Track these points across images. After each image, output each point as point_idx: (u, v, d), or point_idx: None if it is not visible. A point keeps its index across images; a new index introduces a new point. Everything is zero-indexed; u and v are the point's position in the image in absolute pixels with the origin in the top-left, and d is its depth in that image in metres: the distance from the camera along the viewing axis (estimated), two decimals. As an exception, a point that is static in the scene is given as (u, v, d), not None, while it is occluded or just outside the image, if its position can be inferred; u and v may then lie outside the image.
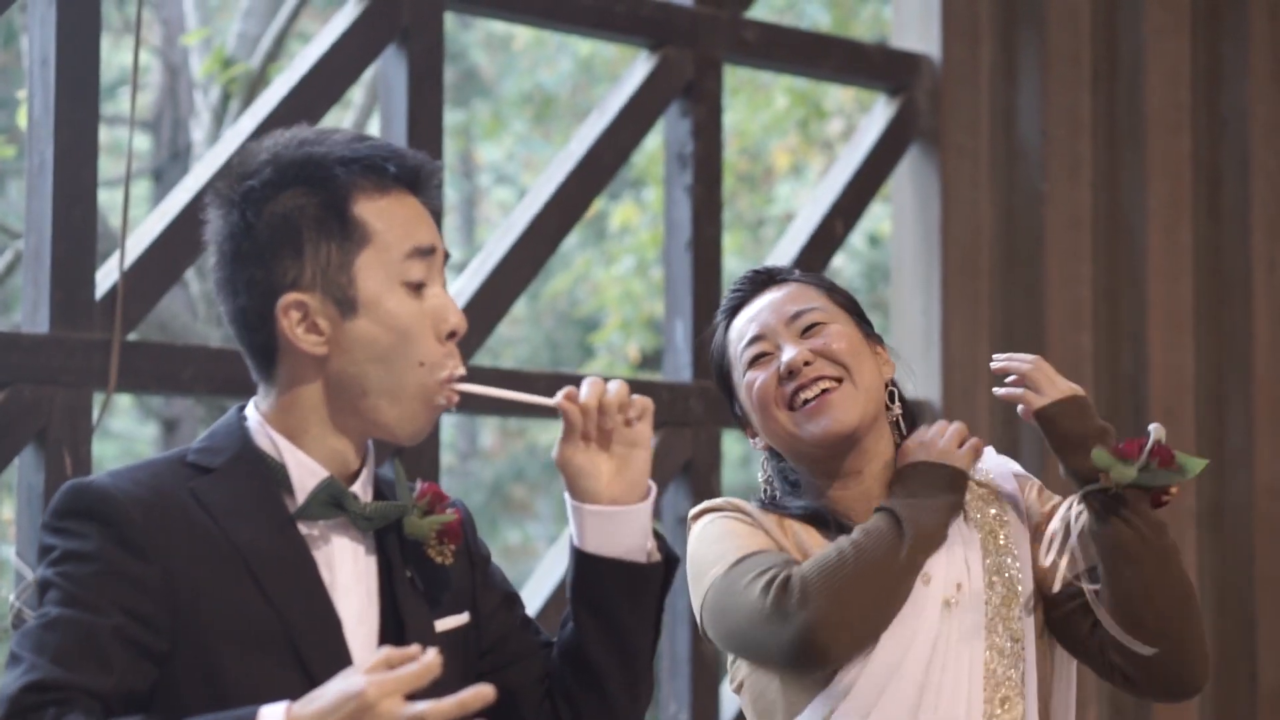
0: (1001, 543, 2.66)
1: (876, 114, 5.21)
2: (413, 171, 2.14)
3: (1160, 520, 2.59)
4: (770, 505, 2.71)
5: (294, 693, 1.96)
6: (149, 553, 2.03)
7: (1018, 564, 2.65)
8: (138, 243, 3.90)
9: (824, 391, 2.62)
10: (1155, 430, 2.62)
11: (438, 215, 2.22)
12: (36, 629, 2.01)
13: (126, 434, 11.97)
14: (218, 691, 2.01)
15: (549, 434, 12.50)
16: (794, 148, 11.08)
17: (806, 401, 2.63)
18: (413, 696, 1.88)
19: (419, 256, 2.11)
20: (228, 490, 2.09)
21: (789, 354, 2.64)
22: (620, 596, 2.15)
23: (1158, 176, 5.28)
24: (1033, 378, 2.61)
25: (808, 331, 2.67)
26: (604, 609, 2.17)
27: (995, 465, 2.76)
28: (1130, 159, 5.28)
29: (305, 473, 2.11)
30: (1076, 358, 5.12)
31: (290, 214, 2.09)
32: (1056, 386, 2.60)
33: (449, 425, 12.20)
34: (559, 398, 2.17)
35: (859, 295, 2.79)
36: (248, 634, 2.03)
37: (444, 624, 2.16)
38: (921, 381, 5.05)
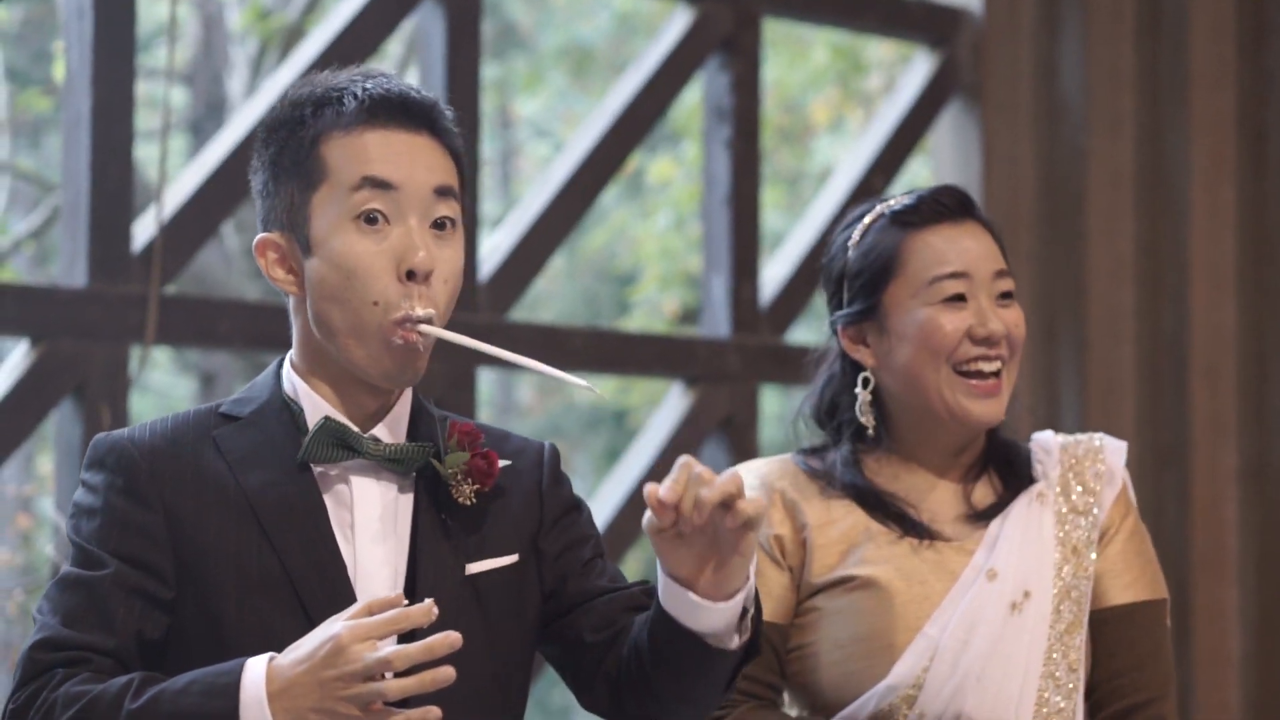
0: (1080, 565, 2.55)
1: (916, 68, 5.17)
2: (385, 104, 2.09)
3: None
4: (820, 464, 2.58)
5: (297, 636, 1.96)
6: (152, 501, 2.05)
7: (1089, 593, 2.54)
8: (175, 196, 3.89)
9: (996, 375, 2.50)
10: None
11: (460, 158, 2.15)
12: (53, 588, 2.05)
13: (164, 388, 12.02)
14: (221, 637, 2.03)
15: (585, 390, 12.49)
16: (833, 102, 11.03)
17: (980, 375, 2.50)
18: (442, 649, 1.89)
19: (371, 188, 2.06)
20: (249, 437, 2.10)
21: (994, 322, 2.48)
22: (692, 661, 2.06)
23: (1200, 133, 5.23)
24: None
25: (1003, 299, 2.52)
26: (676, 665, 2.08)
27: (1112, 455, 2.62)
28: (1173, 115, 5.24)
29: (317, 414, 2.11)
30: (1117, 314, 5.08)
31: (274, 156, 2.12)
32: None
33: (486, 381, 12.20)
34: (647, 489, 1.96)
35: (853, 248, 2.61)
36: (251, 580, 2.04)
37: (481, 565, 2.12)
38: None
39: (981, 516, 2.56)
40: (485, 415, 11.60)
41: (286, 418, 2.11)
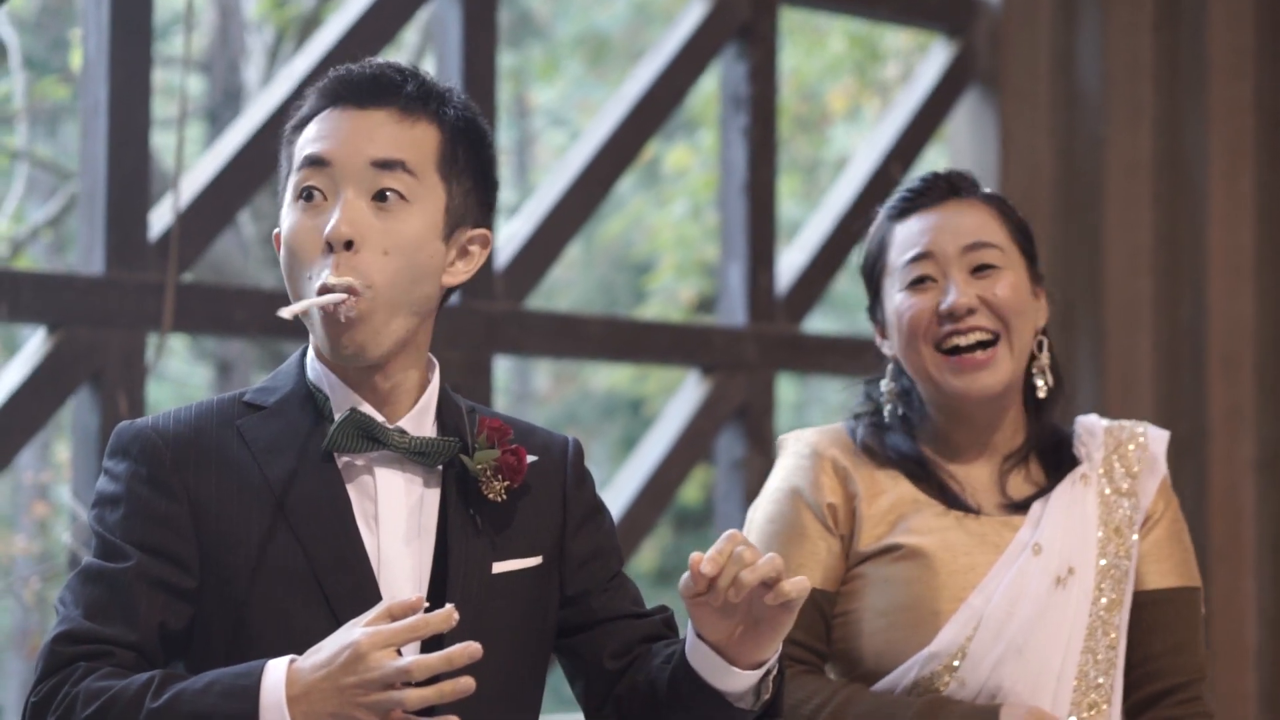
0: (1125, 543, 2.59)
1: (934, 57, 5.16)
2: (345, 85, 2.09)
3: None
4: (872, 440, 2.61)
5: (319, 629, 1.96)
6: (176, 490, 2.04)
7: (1131, 572, 2.58)
8: (192, 184, 3.89)
9: (979, 345, 2.52)
10: None
11: (451, 132, 2.12)
12: (75, 579, 2.04)
13: (181, 376, 12.03)
14: (243, 628, 2.02)
15: (601, 378, 12.50)
16: (850, 91, 11.01)
17: (958, 350, 2.52)
18: (450, 640, 1.89)
19: (309, 167, 2.06)
20: (274, 427, 2.09)
21: (954, 295, 2.52)
22: (709, 713, 2.07)
23: (1219, 121, 5.22)
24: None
25: (980, 271, 2.54)
26: (693, 711, 2.09)
27: (1155, 444, 2.65)
28: (1191, 104, 5.23)
29: (342, 404, 2.10)
30: (1135, 304, 5.07)
31: (281, 154, 2.15)
32: None
33: (503, 369, 12.20)
34: (693, 558, 1.96)
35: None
36: (273, 570, 2.03)
37: (506, 565, 2.12)
38: (978, 327, 5.01)
39: (1018, 507, 2.58)
40: (501, 403, 11.61)
41: (311, 407, 2.10)
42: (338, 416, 2.08)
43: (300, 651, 1.94)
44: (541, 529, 2.16)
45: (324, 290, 2.02)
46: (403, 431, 2.10)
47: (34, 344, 3.69)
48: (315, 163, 2.06)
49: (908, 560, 2.54)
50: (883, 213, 2.64)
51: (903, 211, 2.60)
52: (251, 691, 1.90)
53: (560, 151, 12.85)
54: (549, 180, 4.50)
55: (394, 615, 1.89)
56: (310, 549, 2.03)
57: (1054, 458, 2.62)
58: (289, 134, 2.13)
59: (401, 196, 2.06)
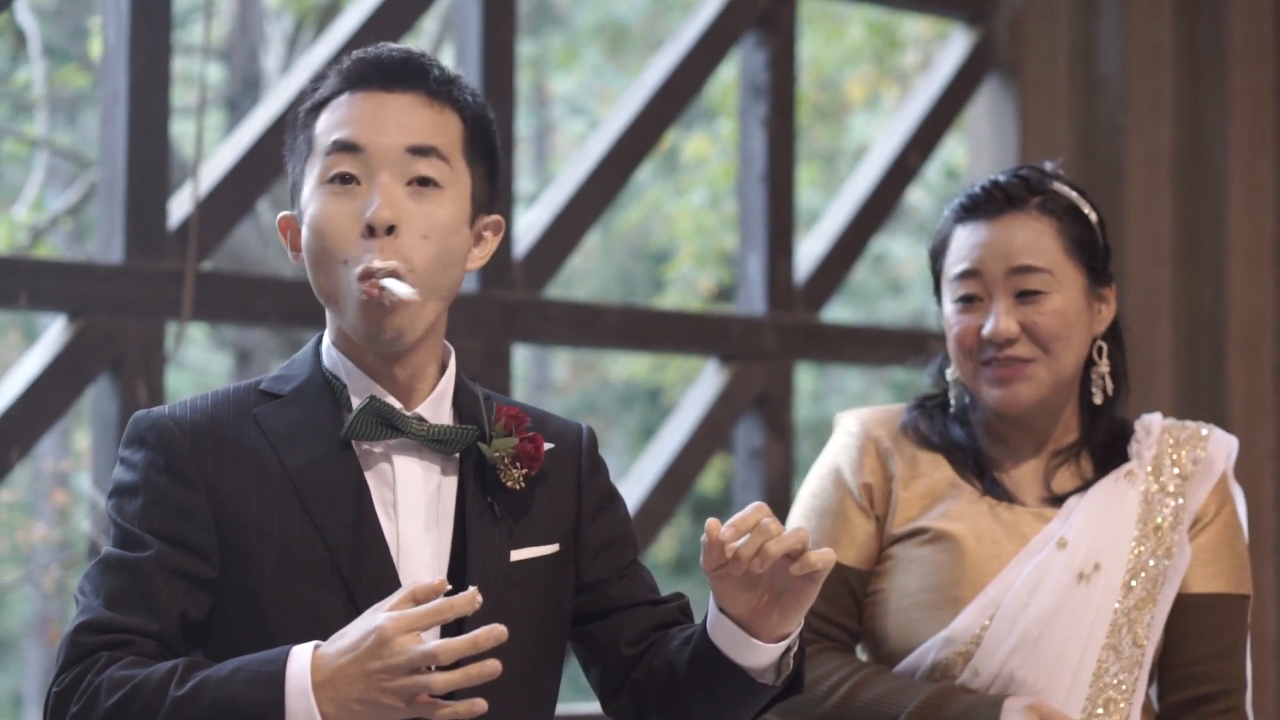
0: (1164, 543, 2.57)
1: (953, 45, 5.15)
2: (370, 68, 2.09)
3: None
4: (920, 423, 2.62)
5: (339, 618, 1.96)
6: (194, 479, 2.03)
7: (1171, 572, 2.56)
8: (211, 172, 3.90)
9: (1016, 364, 2.52)
10: None
11: (469, 118, 2.12)
12: (94, 569, 2.03)
13: (200, 365, 12.06)
14: (263, 617, 2.01)
15: (620, 367, 12.50)
16: (869, 79, 11.00)
17: (997, 365, 2.53)
18: (471, 624, 1.90)
19: (339, 151, 2.06)
20: (291, 415, 2.08)
21: (995, 322, 2.52)
22: (732, 693, 2.07)
23: (1240, 110, 5.20)
24: None
25: (1024, 296, 2.54)
26: (714, 689, 2.09)
27: (1215, 447, 2.64)
28: (1212, 92, 5.21)
29: (359, 392, 2.10)
30: (1155, 293, 5.06)
31: (288, 140, 2.14)
32: None
33: (521, 358, 12.21)
34: (710, 524, 1.97)
35: (933, 229, 2.67)
36: (293, 559, 2.02)
37: (524, 553, 2.11)
38: (997, 316, 5.01)
39: (1056, 500, 2.58)
40: (520, 392, 11.63)
41: (328, 395, 2.10)
42: (356, 404, 2.08)
43: (322, 640, 1.93)
44: (557, 517, 2.16)
45: (368, 274, 2.01)
46: (421, 419, 2.09)
47: (53, 332, 3.70)
48: (347, 148, 2.06)
49: (934, 544, 2.55)
50: (948, 209, 2.63)
51: (961, 216, 2.59)
52: (277, 678, 1.90)
53: (579, 140, 12.85)
54: (568, 169, 4.50)
55: (417, 599, 1.88)
56: (330, 538, 2.03)
57: (1105, 454, 2.61)
58: (304, 117, 2.12)
59: (436, 183, 2.07)
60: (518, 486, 2.11)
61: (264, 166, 3.93)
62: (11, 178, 10.82)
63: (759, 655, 2.03)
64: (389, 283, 2.01)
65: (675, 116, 4.61)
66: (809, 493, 2.64)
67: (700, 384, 4.63)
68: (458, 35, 4.25)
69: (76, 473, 10.61)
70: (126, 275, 3.69)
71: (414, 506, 2.08)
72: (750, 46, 4.69)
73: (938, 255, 2.62)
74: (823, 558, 1.96)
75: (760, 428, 4.59)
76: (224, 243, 4.00)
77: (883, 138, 5.13)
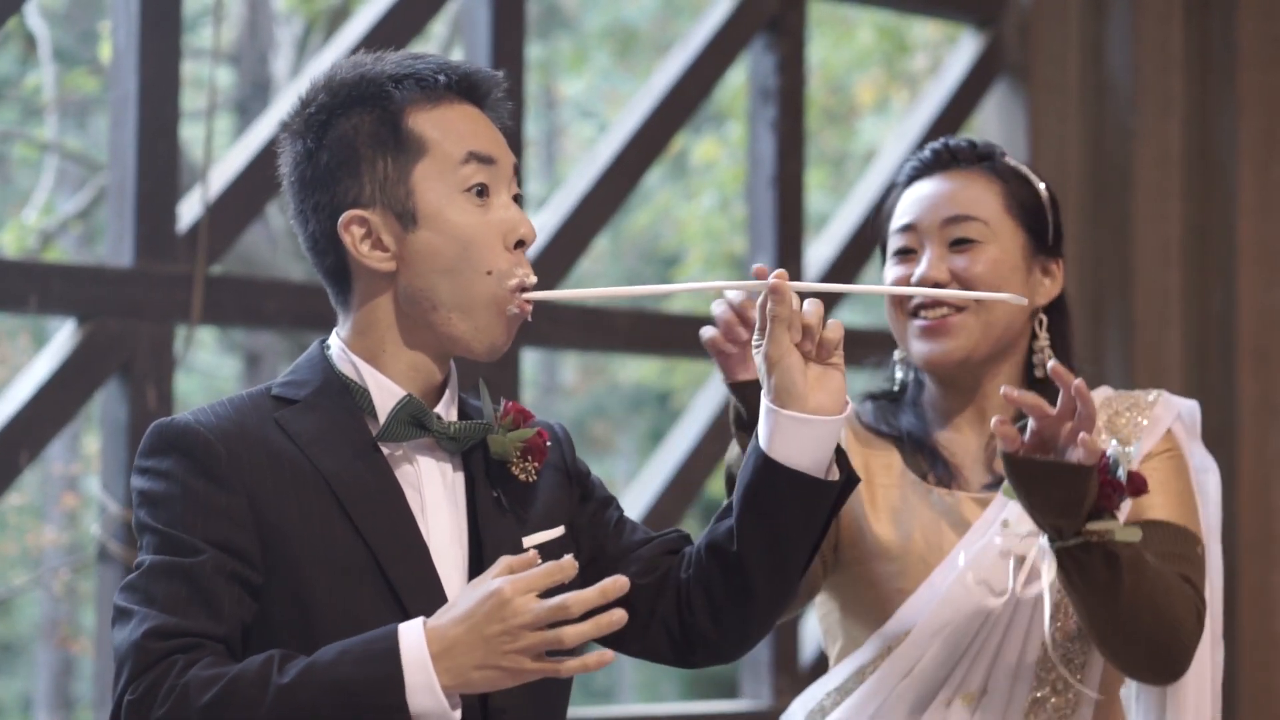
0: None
1: (963, 48, 5.15)
2: (466, 80, 2.13)
3: (1133, 554, 2.36)
4: (870, 419, 2.63)
5: (386, 619, 1.96)
6: (233, 484, 2.02)
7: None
8: (221, 176, 3.90)
9: (943, 316, 2.52)
10: (1120, 456, 2.36)
11: (509, 134, 2.19)
12: (139, 579, 2.00)
13: (209, 368, 12.07)
14: (309, 622, 2.01)
15: (629, 371, 12.50)
16: (879, 83, 11.00)
17: (924, 317, 2.53)
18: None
19: (477, 162, 2.10)
20: (313, 419, 2.08)
21: (923, 268, 2.53)
22: (795, 508, 2.09)
23: (1250, 112, 5.20)
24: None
25: (958, 245, 2.54)
26: (774, 516, 2.10)
27: (1161, 408, 2.58)
28: (1222, 94, 5.21)
29: (386, 395, 2.10)
30: (1165, 296, 5.06)
31: (347, 134, 2.11)
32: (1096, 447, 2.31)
33: (530, 361, 12.21)
34: (773, 278, 2.05)
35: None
36: (337, 562, 2.02)
37: (534, 539, 2.13)
38: (1006, 319, 5.02)
39: (999, 482, 2.56)
40: (529, 395, 11.62)
41: (347, 399, 2.10)
42: (389, 406, 2.08)
43: None
44: (557, 501, 2.19)
45: (521, 288, 2.08)
46: (440, 417, 2.11)
47: (63, 336, 3.70)
48: (484, 160, 2.10)
49: (876, 543, 2.55)
50: (894, 184, 2.65)
51: (909, 179, 2.61)
52: (392, 654, 1.90)
53: (588, 143, 12.85)
54: (577, 172, 4.50)
55: (514, 569, 1.91)
56: (372, 540, 2.03)
57: None
58: (383, 113, 2.11)
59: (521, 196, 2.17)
60: (531, 478, 2.14)
61: (273, 170, 3.91)
62: (21, 181, 10.84)
63: (818, 440, 2.07)
64: (535, 294, 2.10)
65: (684, 120, 4.61)
66: None
67: (709, 387, 4.63)
68: (467, 38, 4.25)
69: (86, 476, 10.62)
70: (136, 279, 3.70)
71: (439, 505, 2.09)
72: (760, 50, 4.69)
73: (882, 224, 2.63)
74: (834, 329, 2.08)
75: (770, 431, 4.58)
76: (233, 246, 4.00)
77: (892, 141, 5.13)
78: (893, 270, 2.57)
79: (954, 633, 2.49)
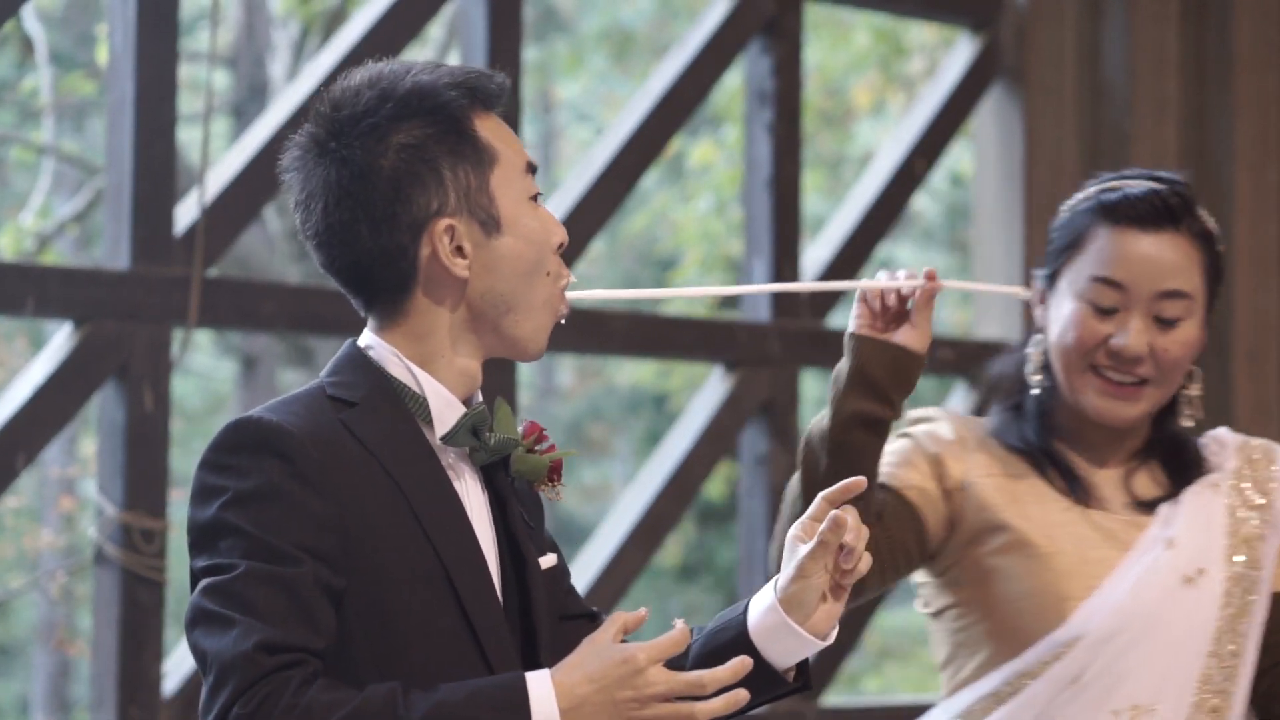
0: (1254, 552, 2.55)
1: (959, 51, 5.15)
2: (501, 89, 2.14)
3: None
4: (1003, 429, 2.59)
5: (450, 630, 1.97)
6: (326, 489, 1.98)
7: (1261, 583, 2.55)
8: (218, 179, 3.91)
9: (1137, 385, 2.50)
10: None
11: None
12: (234, 584, 1.93)
13: (206, 371, 12.06)
14: (387, 631, 1.98)
15: (626, 373, 12.50)
16: (875, 86, 11.01)
17: (1113, 380, 2.50)
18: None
19: (530, 172, 2.14)
20: (376, 423, 2.04)
21: (1130, 337, 2.48)
22: (748, 682, 2.07)
23: (1246, 115, 5.20)
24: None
25: (1164, 324, 2.50)
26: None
27: None
28: (1217, 97, 5.21)
29: (443, 403, 2.07)
30: (1160, 299, 5.06)
31: (420, 144, 2.06)
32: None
33: (526, 364, 12.21)
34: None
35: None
36: (412, 571, 2.00)
37: (545, 561, 2.14)
38: (1002, 322, 5.01)
39: (1145, 506, 2.56)
40: (525, 398, 11.64)
41: (401, 404, 2.07)
42: (447, 414, 2.06)
43: (444, 656, 1.96)
44: (541, 524, 2.19)
45: (567, 287, 2.16)
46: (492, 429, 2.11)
47: (60, 339, 3.71)
48: (533, 170, 2.14)
49: (1024, 550, 2.52)
50: (1096, 196, 2.56)
51: (1112, 217, 2.53)
52: (521, 704, 1.91)
53: (585, 146, 12.85)
54: (573, 175, 4.51)
55: (627, 629, 1.94)
56: (441, 549, 2.01)
57: (1178, 463, 2.59)
58: (467, 118, 2.11)
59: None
60: (559, 499, 2.15)
61: (270, 173, 3.93)
62: (18, 184, 10.84)
63: (795, 651, 2.10)
64: (575, 293, 2.18)
65: (681, 123, 4.62)
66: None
67: (706, 390, 4.63)
68: (464, 41, 4.25)
69: (83, 479, 10.61)
70: (133, 281, 3.70)
71: (482, 515, 2.09)
72: (756, 53, 4.70)
73: (1071, 243, 2.54)
74: (864, 561, 2.06)
75: (765, 434, 4.59)
76: (230, 249, 4.00)
77: (888, 144, 5.13)
78: (1088, 321, 2.50)
79: (1128, 642, 2.49)
